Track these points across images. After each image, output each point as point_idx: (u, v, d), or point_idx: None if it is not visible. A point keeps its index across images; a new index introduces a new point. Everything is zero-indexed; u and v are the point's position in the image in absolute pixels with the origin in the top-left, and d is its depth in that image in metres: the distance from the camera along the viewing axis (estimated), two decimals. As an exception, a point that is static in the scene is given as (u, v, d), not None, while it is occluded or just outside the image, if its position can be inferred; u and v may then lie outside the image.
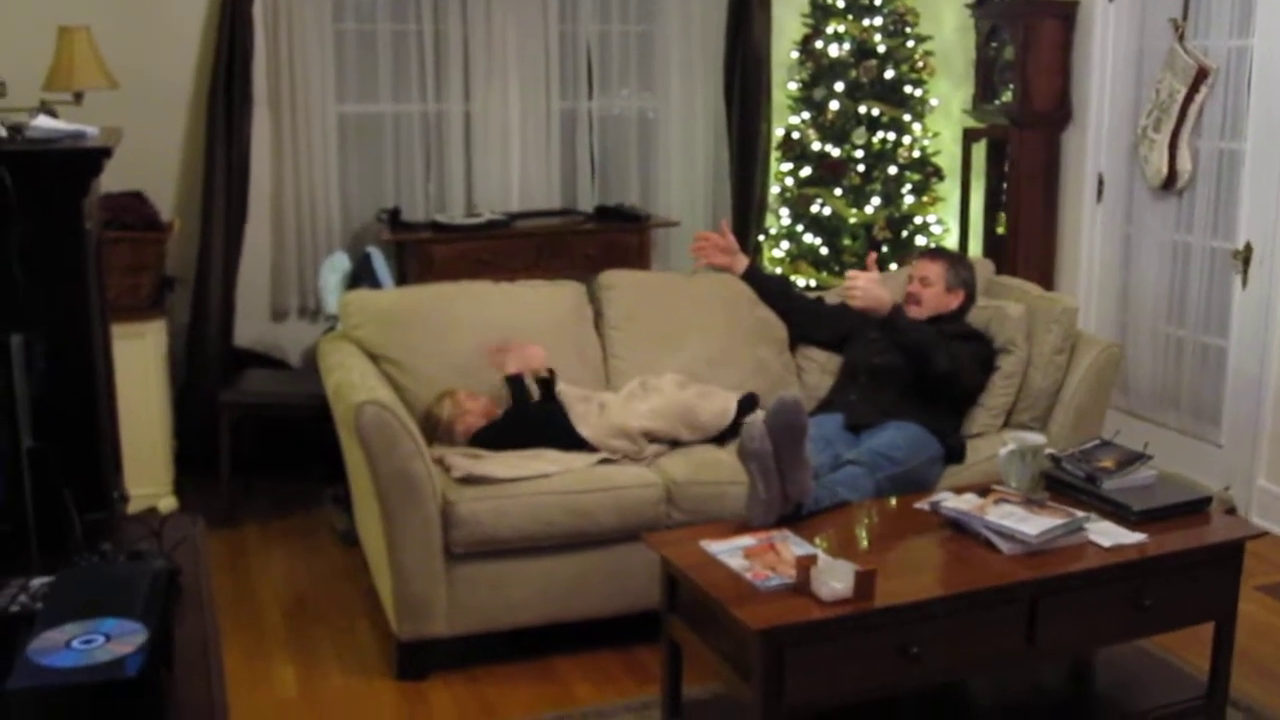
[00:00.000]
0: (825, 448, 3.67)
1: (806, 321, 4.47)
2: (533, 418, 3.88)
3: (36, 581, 1.89)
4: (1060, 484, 3.44)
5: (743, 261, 4.57)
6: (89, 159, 2.16)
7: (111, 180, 5.04)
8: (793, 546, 3.01)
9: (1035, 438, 3.44)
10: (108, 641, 1.54)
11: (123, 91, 5.09)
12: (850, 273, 4.09)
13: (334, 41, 5.56)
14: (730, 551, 3.01)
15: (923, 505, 3.36)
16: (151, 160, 5.33)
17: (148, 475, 4.61)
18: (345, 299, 4.13)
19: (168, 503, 4.68)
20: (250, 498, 5.10)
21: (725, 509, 3.59)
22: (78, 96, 4.86)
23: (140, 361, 4.53)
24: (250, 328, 5.62)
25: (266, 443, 5.32)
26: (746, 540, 3.08)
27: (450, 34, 5.68)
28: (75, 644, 1.53)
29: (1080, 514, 3.15)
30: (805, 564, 2.79)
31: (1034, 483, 3.38)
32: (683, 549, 3.07)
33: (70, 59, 4.74)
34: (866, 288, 4.00)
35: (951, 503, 3.23)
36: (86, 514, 2.18)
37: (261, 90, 5.45)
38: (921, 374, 3.96)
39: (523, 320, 4.21)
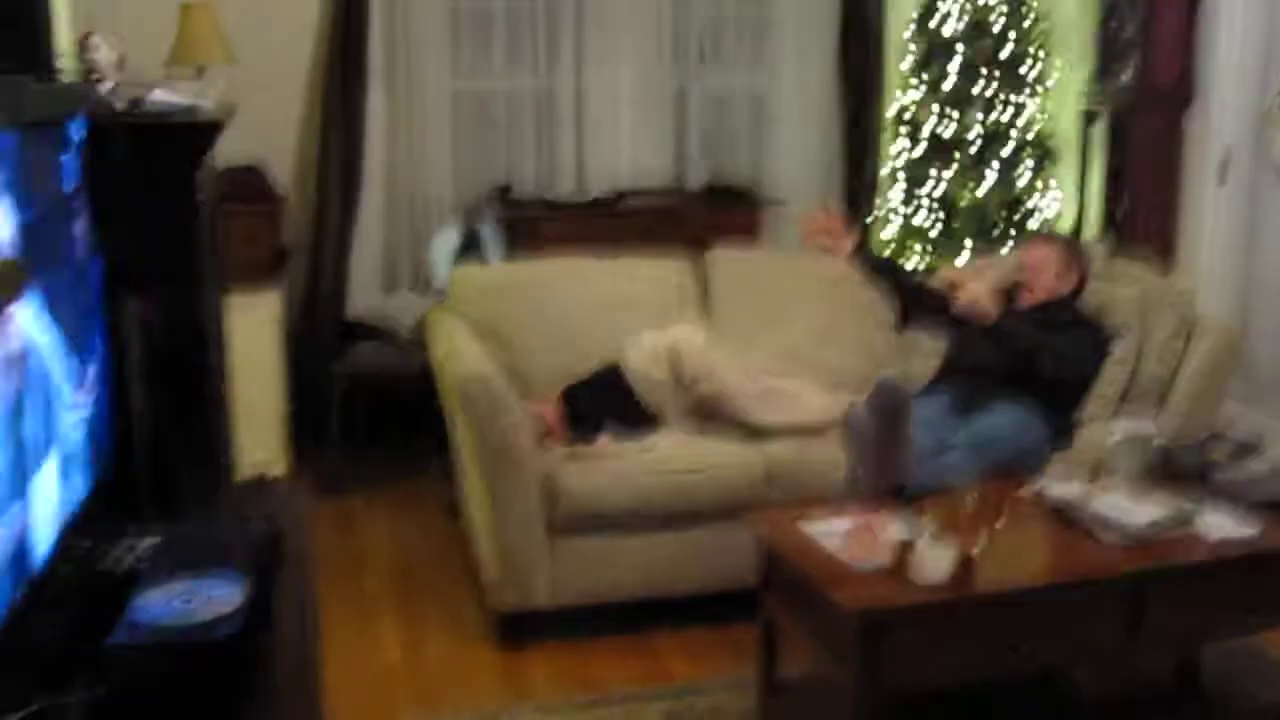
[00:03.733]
0: (930, 430, 3.61)
1: (914, 303, 4.40)
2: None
3: (145, 542, 1.95)
4: (1169, 473, 3.36)
5: (850, 242, 4.51)
6: (202, 132, 2.22)
7: (232, 153, 5.20)
8: (892, 530, 2.99)
9: (1145, 427, 3.37)
10: (209, 602, 1.58)
11: (243, 67, 5.17)
12: (952, 276, 3.98)
13: (449, 18, 5.61)
14: (828, 533, 3.00)
15: (1027, 491, 3.31)
16: (270, 134, 5.42)
17: (261, 442, 4.70)
18: (453, 273, 4.20)
19: (280, 469, 4.79)
20: (360, 467, 5.19)
21: (826, 489, 3.56)
22: (200, 71, 4.99)
23: (255, 330, 4.62)
24: (362, 299, 5.71)
25: (377, 413, 5.41)
26: (845, 522, 3.06)
27: (564, 9, 5.70)
28: (176, 604, 1.58)
29: (1189, 505, 3.08)
30: (904, 547, 2.76)
31: (1142, 471, 3.31)
32: (780, 529, 3.06)
33: (192, 35, 4.85)
34: (973, 298, 3.89)
35: (1057, 490, 3.18)
36: (196, 475, 2.25)
37: (378, 67, 5.52)
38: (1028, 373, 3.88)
39: (626, 296, 4.23)
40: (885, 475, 3.14)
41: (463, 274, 4.22)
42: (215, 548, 1.77)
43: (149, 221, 2.17)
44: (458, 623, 3.87)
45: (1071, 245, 4.19)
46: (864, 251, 4.54)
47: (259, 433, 4.70)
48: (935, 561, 2.71)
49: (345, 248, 5.51)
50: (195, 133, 2.23)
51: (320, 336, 5.48)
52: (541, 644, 3.71)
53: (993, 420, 3.72)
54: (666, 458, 3.70)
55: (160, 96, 2.55)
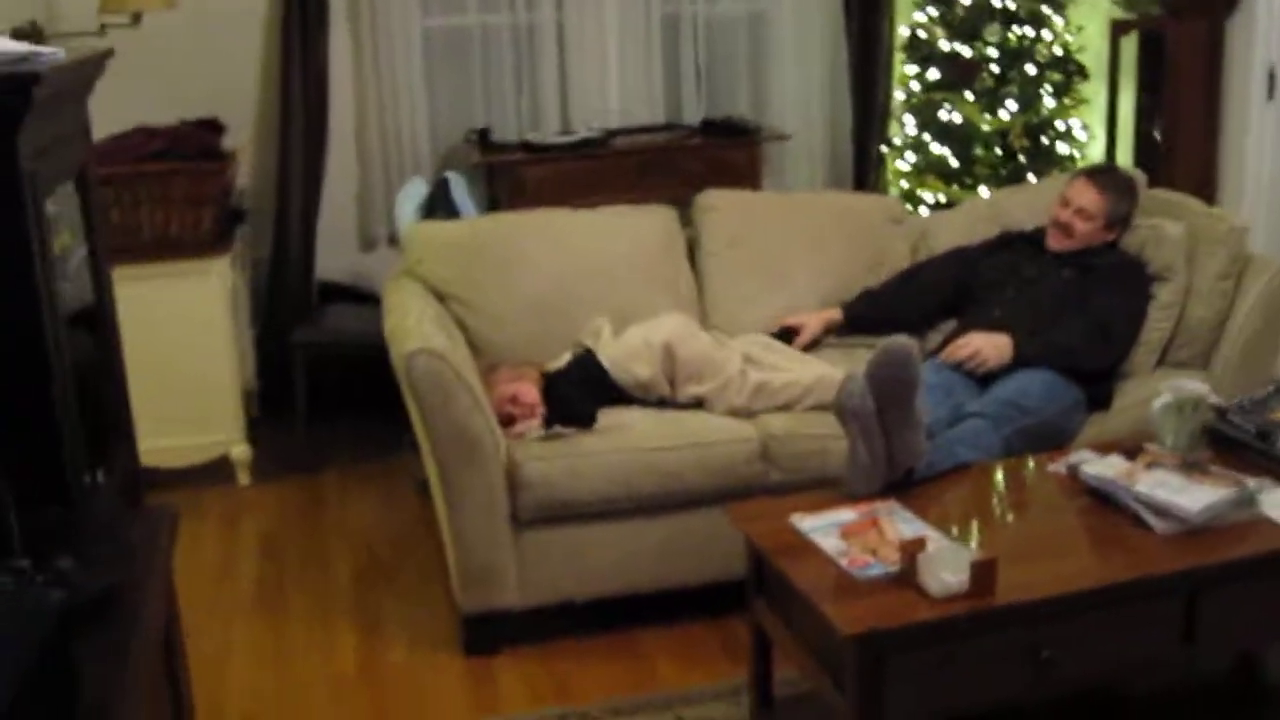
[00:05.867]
0: (945, 398, 3.16)
1: (921, 302, 3.82)
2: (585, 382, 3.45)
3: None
4: (1226, 441, 2.90)
5: (828, 315, 3.85)
6: (12, 88, 1.77)
7: (186, 107, 4.78)
8: (899, 524, 2.55)
9: (1196, 386, 2.89)
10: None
11: (193, 12, 4.77)
12: (955, 345, 3.44)
13: (417, -51, 5.13)
14: (825, 529, 2.56)
15: (1058, 467, 2.86)
16: (227, 85, 5.03)
17: (216, 422, 4.33)
18: (409, 232, 3.75)
19: (241, 450, 4.40)
20: (333, 442, 4.79)
21: (830, 467, 3.12)
22: (135, 18, 4.55)
23: (203, 301, 4.22)
24: (338, 259, 5.31)
25: (352, 382, 5.01)
26: (845, 514, 2.62)
27: (539, -64, 5.22)
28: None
29: (1251, 482, 2.62)
30: (912, 549, 2.33)
31: (1194, 440, 2.84)
32: (770, 525, 2.62)
33: (126, -25, 4.42)
34: (983, 351, 3.36)
35: (1093, 467, 2.72)
36: (39, 510, 1.83)
37: (340, 5, 5.07)
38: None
39: (604, 251, 3.78)
40: (891, 459, 2.69)
41: (420, 232, 3.77)
42: (-17, 634, 1.35)
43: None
44: (424, 623, 3.47)
45: (1126, 190, 3.66)
46: (852, 313, 3.87)
47: (213, 411, 4.33)
48: (949, 567, 2.27)
49: (313, 204, 5.10)
50: (10, 90, 1.78)
51: (287, 302, 5.08)
52: (514, 648, 3.30)
53: (1017, 384, 3.25)
54: (647, 434, 3.26)
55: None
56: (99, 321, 2.47)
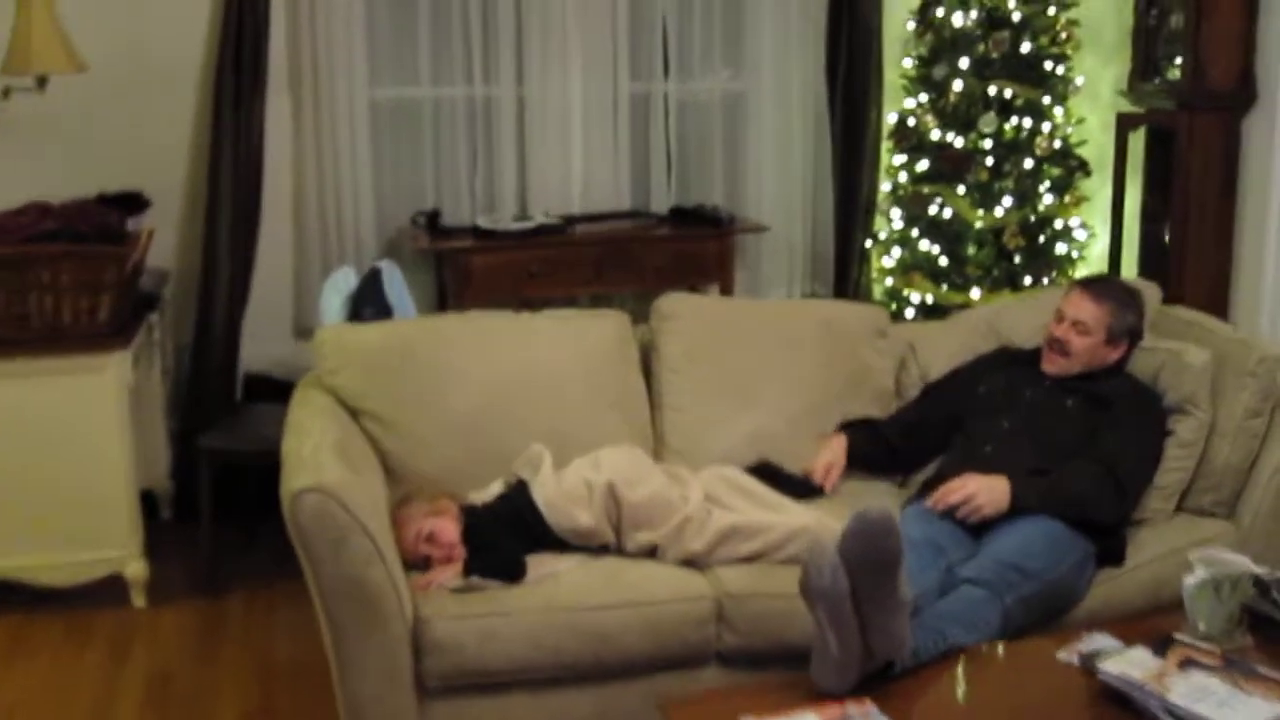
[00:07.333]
0: (934, 558, 2.66)
1: (930, 445, 3.34)
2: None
3: None
4: (1267, 622, 2.42)
5: (840, 442, 3.38)
6: None
7: (105, 179, 4.32)
8: (874, 739, 2.06)
9: (1235, 560, 2.42)
10: None
11: (110, 77, 4.35)
12: (946, 488, 2.95)
13: (365, 14, 4.70)
14: (783, 740, 2.07)
15: (1069, 656, 2.37)
16: (151, 156, 4.58)
17: (107, 536, 3.82)
18: (321, 336, 3.26)
19: (136, 568, 3.88)
20: (246, 558, 4.29)
21: (793, 633, 2.61)
22: (40, 81, 4.10)
23: (95, 400, 3.73)
24: (271, 348, 4.83)
25: (270, 490, 4.50)
26: (808, 718, 2.12)
27: (500, 4, 4.79)
28: None
29: (1312, 694, 2.14)
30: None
31: (1231, 624, 2.37)
32: (714, 731, 2.14)
33: (28, 35, 3.98)
34: (979, 497, 2.88)
35: (1115, 664, 2.22)
36: None
37: (280, 71, 4.66)
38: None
39: (545, 363, 3.29)
40: (867, 648, 2.19)
41: (334, 335, 3.28)
42: None
43: None
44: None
45: (1129, 302, 3.21)
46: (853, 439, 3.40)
47: (105, 523, 3.83)
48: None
49: (240, 289, 4.63)
50: None
51: (208, 395, 4.60)
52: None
53: (1018, 540, 2.75)
54: (579, 589, 2.76)
55: None
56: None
